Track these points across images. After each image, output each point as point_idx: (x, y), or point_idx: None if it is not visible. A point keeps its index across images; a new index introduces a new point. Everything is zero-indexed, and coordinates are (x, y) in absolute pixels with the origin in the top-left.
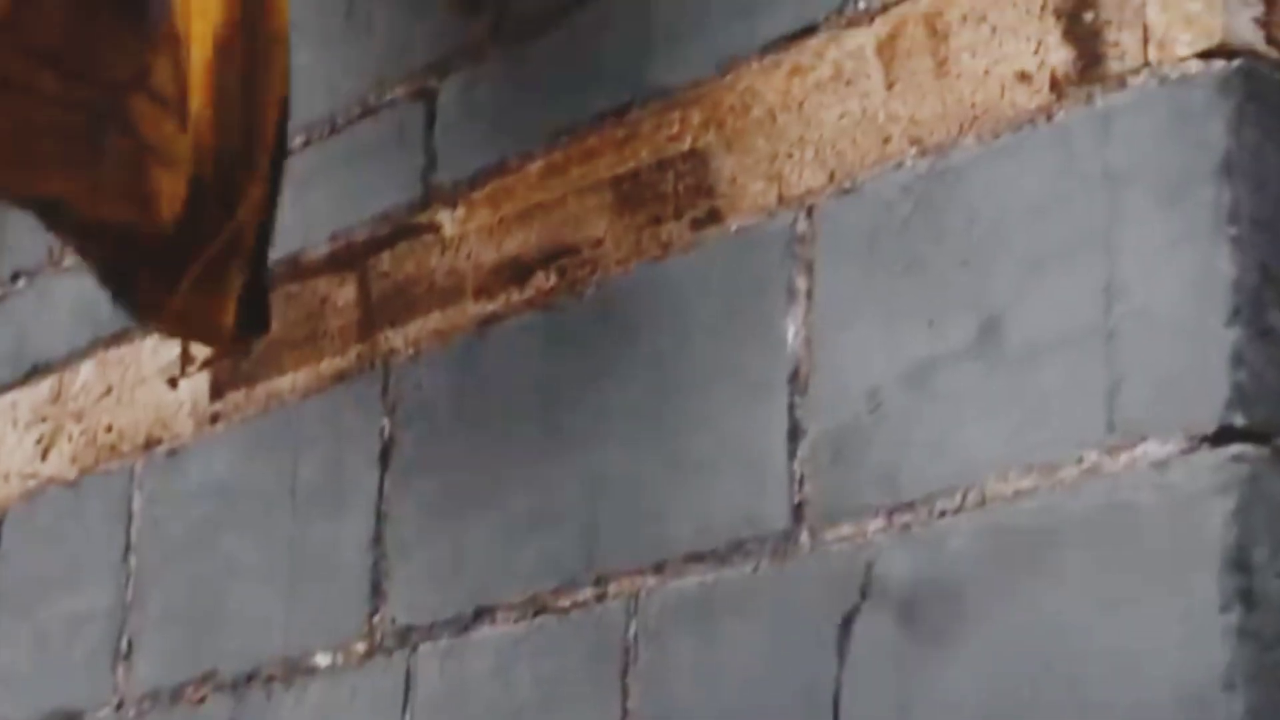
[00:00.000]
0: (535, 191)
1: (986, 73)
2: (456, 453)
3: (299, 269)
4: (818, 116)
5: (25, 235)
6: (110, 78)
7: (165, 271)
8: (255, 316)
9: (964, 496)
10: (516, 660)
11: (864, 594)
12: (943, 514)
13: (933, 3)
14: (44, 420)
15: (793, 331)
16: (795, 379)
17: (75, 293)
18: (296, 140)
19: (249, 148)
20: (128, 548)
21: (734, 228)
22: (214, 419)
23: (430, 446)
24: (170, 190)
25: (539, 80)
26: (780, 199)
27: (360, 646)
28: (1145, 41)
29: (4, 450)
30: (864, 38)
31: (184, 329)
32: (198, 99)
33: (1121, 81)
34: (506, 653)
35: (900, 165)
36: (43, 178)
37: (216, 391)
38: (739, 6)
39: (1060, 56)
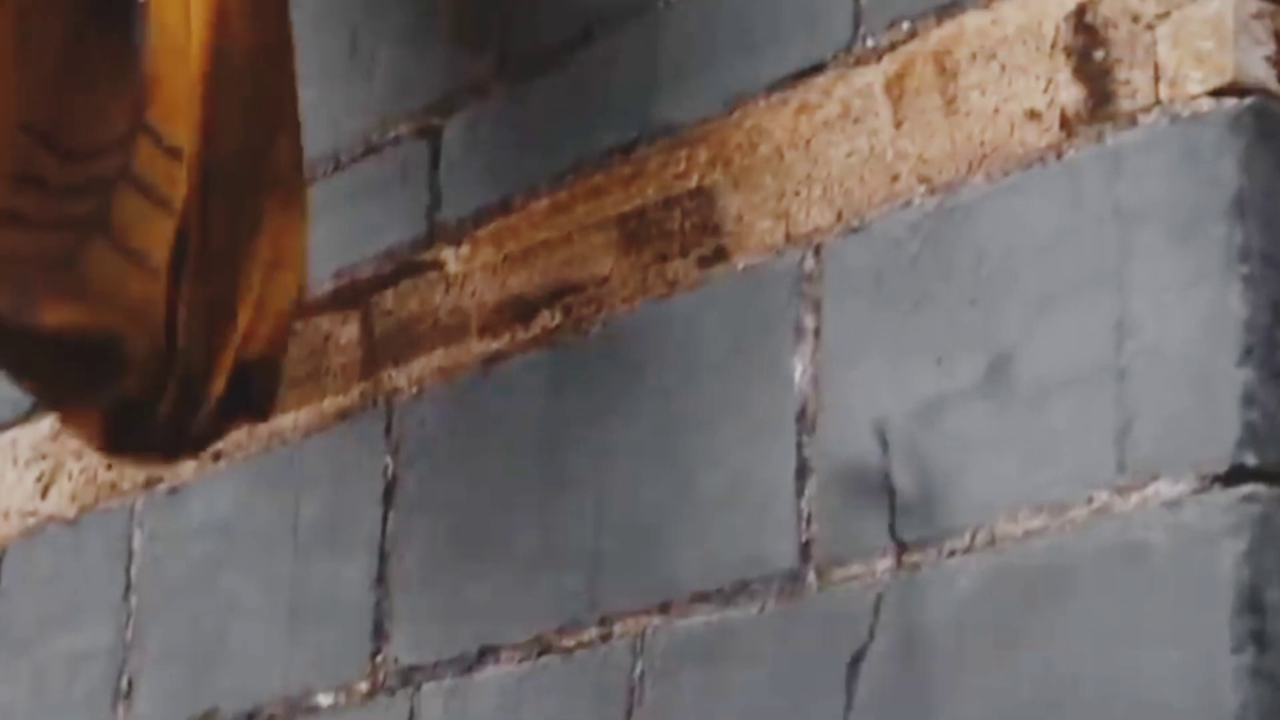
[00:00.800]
0: (540, 229)
1: (996, 111)
2: (460, 491)
3: (301, 306)
4: (825, 154)
5: None
6: (107, 136)
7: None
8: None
9: (973, 536)
10: (521, 701)
11: (872, 634)
12: (952, 554)
13: (941, 41)
14: (44, 458)
15: (800, 370)
16: (803, 417)
17: None
18: None
19: (255, 179)
20: (128, 586)
21: (741, 266)
22: (215, 457)
23: (434, 485)
24: (164, 242)
25: (544, 118)
26: (788, 237)
27: (363, 686)
28: (1156, 79)
29: (4, 488)
30: (872, 75)
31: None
32: (187, 131)
33: (1132, 119)
34: (511, 693)
35: (909, 203)
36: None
37: None
38: (746, 44)
39: (1070, 94)
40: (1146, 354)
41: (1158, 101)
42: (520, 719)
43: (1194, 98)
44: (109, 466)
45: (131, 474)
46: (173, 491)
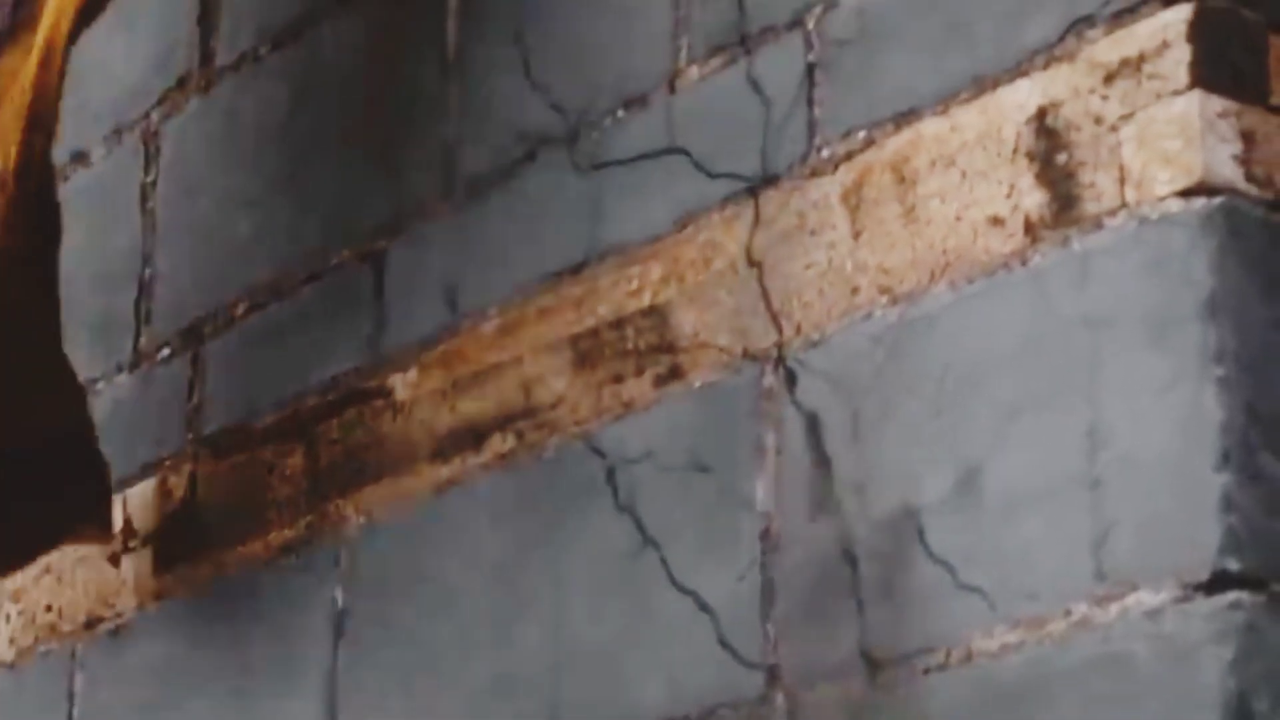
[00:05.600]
0: (490, 352)
1: (957, 218)
2: (413, 623)
3: (245, 438)
4: (782, 268)
5: None
6: None
7: None
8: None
9: (948, 654)
10: None
11: None
12: (926, 672)
13: (899, 149)
14: None
15: (762, 489)
16: (767, 537)
17: None
18: (240, 307)
19: None
20: None
21: (698, 384)
22: (158, 595)
23: (385, 617)
24: None
25: (490, 238)
26: (745, 353)
27: None
28: (1122, 182)
29: None
30: (828, 186)
31: None
32: None
33: (1099, 223)
34: None
35: (870, 315)
36: None
37: (160, 567)
38: (697, 158)
39: (1034, 200)
40: (1121, 461)
41: (1124, 204)
42: None
43: (1162, 199)
44: (48, 608)
45: (71, 614)
46: (115, 632)
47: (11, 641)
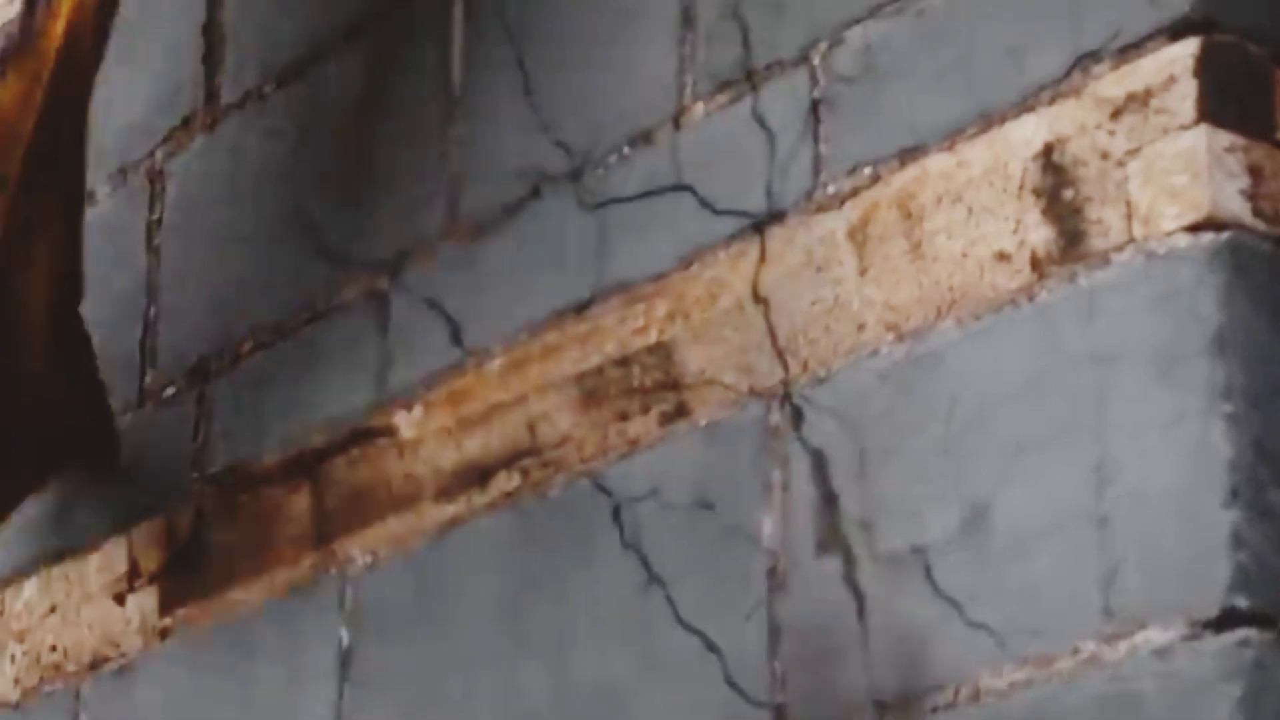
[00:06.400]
0: (495, 390)
1: (964, 254)
2: (418, 662)
3: (250, 477)
4: (788, 305)
5: None
6: None
7: None
8: None
9: (956, 692)
10: None
11: None
12: (934, 710)
13: (904, 184)
14: None
15: (769, 527)
16: (774, 576)
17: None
18: (245, 345)
19: None
20: None
21: (704, 422)
22: (163, 634)
23: (390, 656)
24: None
25: (495, 276)
26: (751, 391)
27: None
28: (1129, 217)
29: None
30: (834, 223)
31: None
32: None
33: (1105, 259)
34: None
35: (876, 352)
36: None
37: (166, 606)
38: (702, 194)
39: (1041, 235)
40: (1129, 498)
41: (1131, 239)
42: None
43: (1169, 234)
44: (53, 647)
45: (76, 654)
46: (119, 672)
47: (16, 681)
